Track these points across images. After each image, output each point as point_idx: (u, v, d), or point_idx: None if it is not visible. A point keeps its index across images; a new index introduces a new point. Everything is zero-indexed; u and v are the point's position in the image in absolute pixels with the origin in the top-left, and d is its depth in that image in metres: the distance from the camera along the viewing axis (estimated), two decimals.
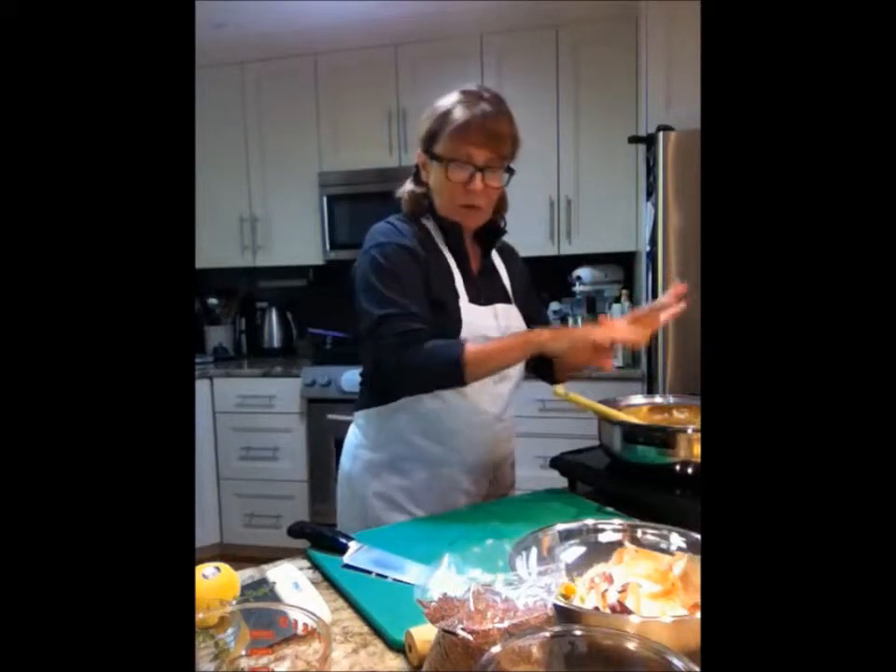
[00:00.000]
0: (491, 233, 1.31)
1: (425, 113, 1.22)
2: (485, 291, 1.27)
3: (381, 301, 1.13)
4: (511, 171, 1.24)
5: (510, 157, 1.23)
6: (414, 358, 1.10)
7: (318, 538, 0.99)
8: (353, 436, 1.32)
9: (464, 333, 1.17)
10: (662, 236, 2.23)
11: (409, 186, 1.29)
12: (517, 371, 1.28)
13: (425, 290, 1.17)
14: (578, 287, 2.95)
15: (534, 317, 1.35)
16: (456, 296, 1.21)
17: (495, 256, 1.35)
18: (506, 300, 1.31)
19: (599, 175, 2.85)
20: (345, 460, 1.32)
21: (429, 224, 1.26)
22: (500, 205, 1.31)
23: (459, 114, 1.16)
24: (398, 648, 0.73)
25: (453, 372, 1.09)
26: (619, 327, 1.10)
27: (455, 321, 1.18)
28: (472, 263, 1.28)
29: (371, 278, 1.16)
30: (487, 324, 1.23)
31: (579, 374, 2.71)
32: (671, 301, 1.15)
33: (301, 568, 0.92)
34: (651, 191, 2.34)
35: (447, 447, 1.23)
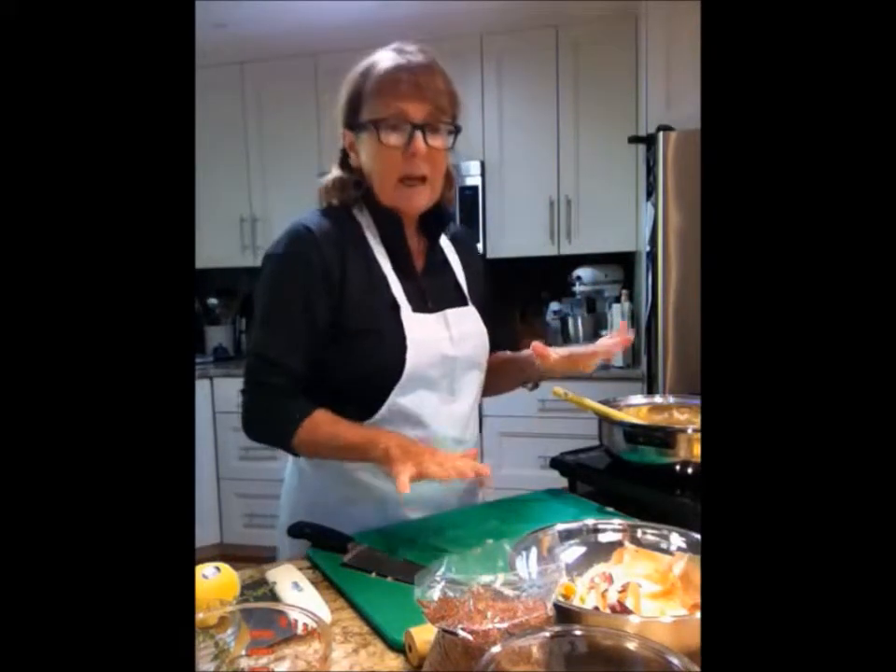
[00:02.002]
0: (437, 219, 1.09)
1: (342, 83, 1.03)
2: (434, 294, 1.07)
3: (256, 338, 1.01)
4: (457, 130, 1.02)
5: (451, 114, 1.01)
6: (254, 415, 1.01)
7: (318, 538, 0.99)
8: (290, 477, 1.16)
9: (412, 350, 0.99)
10: (662, 236, 2.23)
11: (334, 173, 1.11)
12: (473, 387, 1.11)
13: (327, 310, 0.99)
14: (578, 287, 2.95)
15: (490, 325, 1.15)
16: (396, 306, 1.01)
17: (446, 247, 1.15)
18: (460, 301, 1.11)
19: (599, 175, 2.86)
20: (282, 509, 1.16)
21: (362, 217, 1.06)
22: (448, 184, 1.09)
23: (383, 66, 0.97)
24: (398, 648, 0.73)
25: (281, 443, 1.01)
26: (432, 461, 0.88)
27: (398, 337, 0.99)
28: (416, 261, 1.08)
29: (257, 302, 1.02)
30: (438, 336, 1.04)
31: (579, 374, 2.72)
32: (609, 348, 1.08)
33: (301, 568, 0.92)
34: (650, 191, 2.34)
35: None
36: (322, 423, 0.97)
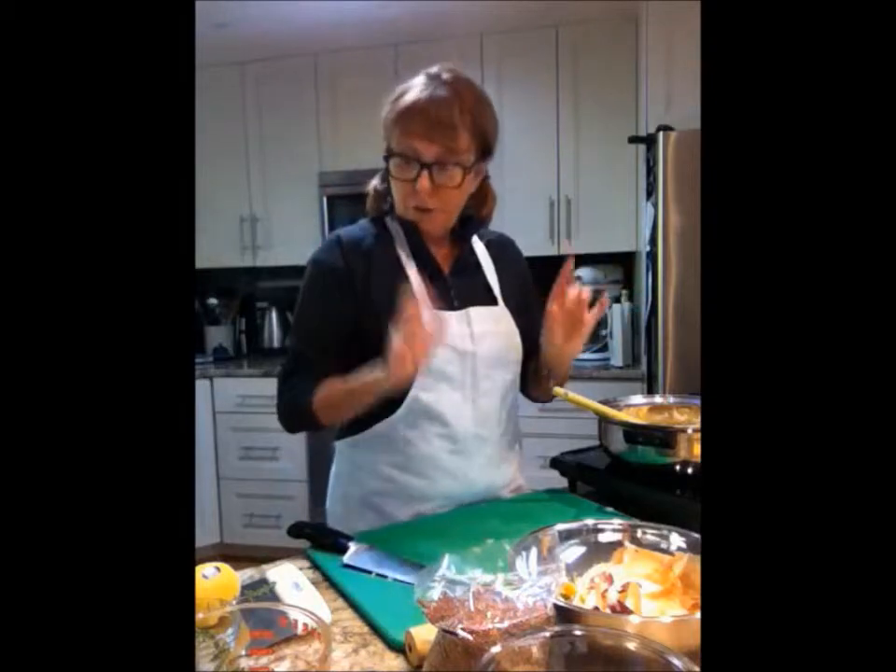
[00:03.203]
0: (465, 229, 1.16)
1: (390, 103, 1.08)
2: (459, 293, 1.12)
3: (291, 334, 1.14)
4: (478, 160, 1.07)
5: (470, 151, 1.04)
6: (281, 398, 1.13)
7: (318, 538, 0.99)
8: (336, 463, 1.23)
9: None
10: (662, 236, 2.23)
11: (375, 181, 1.21)
12: (500, 385, 1.14)
13: (350, 314, 1.06)
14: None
15: (528, 325, 1.17)
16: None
17: (482, 251, 1.19)
18: (487, 301, 1.15)
19: (599, 175, 2.86)
20: (330, 490, 1.26)
21: (392, 226, 1.14)
22: (482, 202, 1.16)
23: (406, 98, 1.02)
24: (398, 648, 0.73)
25: (303, 417, 1.09)
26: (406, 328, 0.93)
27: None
28: (442, 264, 1.14)
29: (296, 304, 1.14)
30: (457, 332, 1.07)
31: (579, 375, 2.72)
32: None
33: (301, 568, 0.92)
34: (650, 191, 2.34)
35: (427, 479, 1.08)
36: (328, 385, 1.04)
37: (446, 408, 1.07)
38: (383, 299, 1.03)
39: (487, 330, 1.11)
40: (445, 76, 1.04)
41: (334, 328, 1.08)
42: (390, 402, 1.04)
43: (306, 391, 1.06)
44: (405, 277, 1.08)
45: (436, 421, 1.07)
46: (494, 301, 1.16)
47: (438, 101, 1.00)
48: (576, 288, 1.07)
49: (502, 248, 1.24)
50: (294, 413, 1.12)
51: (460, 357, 1.06)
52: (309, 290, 1.12)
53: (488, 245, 1.22)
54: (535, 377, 1.22)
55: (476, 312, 1.11)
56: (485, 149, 1.08)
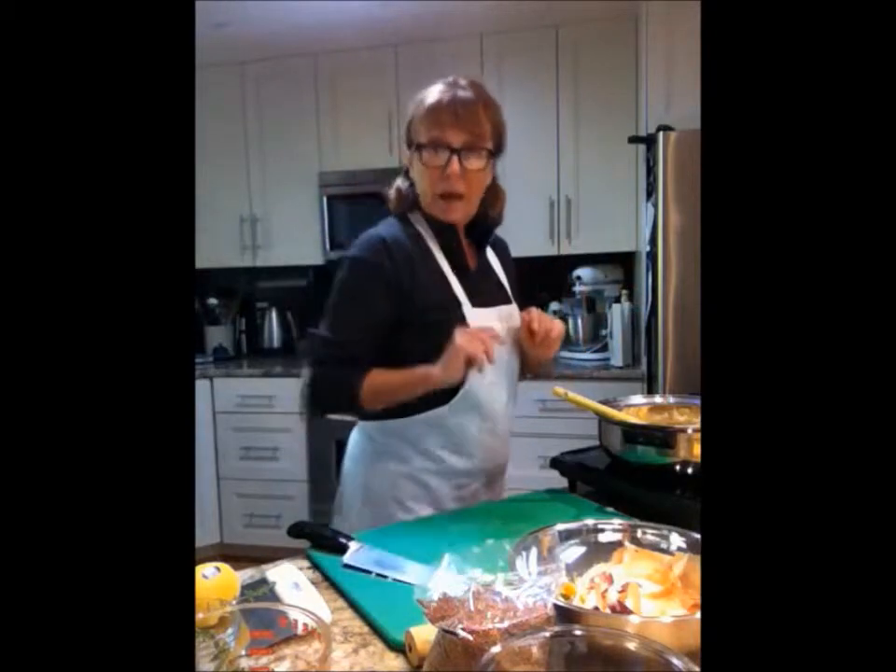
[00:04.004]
0: (483, 229, 1.27)
1: (440, 95, 1.17)
2: (485, 292, 1.24)
3: (325, 323, 1.18)
4: (494, 154, 1.18)
5: (490, 140, 1.16)
6: (320, 386, 1.17)
7: (318, 538, 0.99)
8: (365, 443, 1.27)
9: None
10: (662, 236, 2.23)
11: (398, 182, 1.27)
12: (514, 372, 1.29)
13: (389, 309, 1.15)
14: (578, 287, 2.95)
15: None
16: (458, 303, 1.18)
17: (488, 252, 1.31)
18: (506, 299, 1.29)
19: (599, 175, 2.86)
20: (359, 468, 1.27)
21: (418, 224, 1.22)
22: (494, 199, 1.26)
23: (431, 97, 1.15)
24: (398, 648, 0.73)
25: (348, 403, 1.16)
26: (469, 336, 1.07)
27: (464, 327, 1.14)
28: (469, 262, 1.25)
29: (331, 294, 1.20)
30: (497, 327, 1.18)
31: (579, 374, 2.72)
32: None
33: (300, 568, 0.92)
34: (650, 191, 2.34)
35: (472, 458, 1.22)
36: (376, 374, 1.14)
37: (486, 397, 1.20)
38: (423, 294, 1.16)
39: (507, 327, 1.23)
40: (463, 81, 1.17)
41: (378, 320, 1.16)
42: (440, 392, 1.14)
43: (351, 378, 1.14)
44: (441, 274, 1.19)
45: (481, 409, 1.20)
46: (508, 300, 1.29)
47: (463, 96, 1.13)
48: (534, 318, 1.20)
49: (503, 249, 1.36)
50: (334, 398, 1.19)
51: (497, 352, 1.13)
52: (353, 286, 1.19)
53: (492, 246, 1.33)
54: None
55: (504, 310, 1.25)
56: (499, 145, 1.19)
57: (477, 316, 1.18)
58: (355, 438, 1.31)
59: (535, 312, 1.22)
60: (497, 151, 1.19)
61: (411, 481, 1.21)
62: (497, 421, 1.23)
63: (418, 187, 1.20)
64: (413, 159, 1.19)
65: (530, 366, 1.34)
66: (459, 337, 1.06)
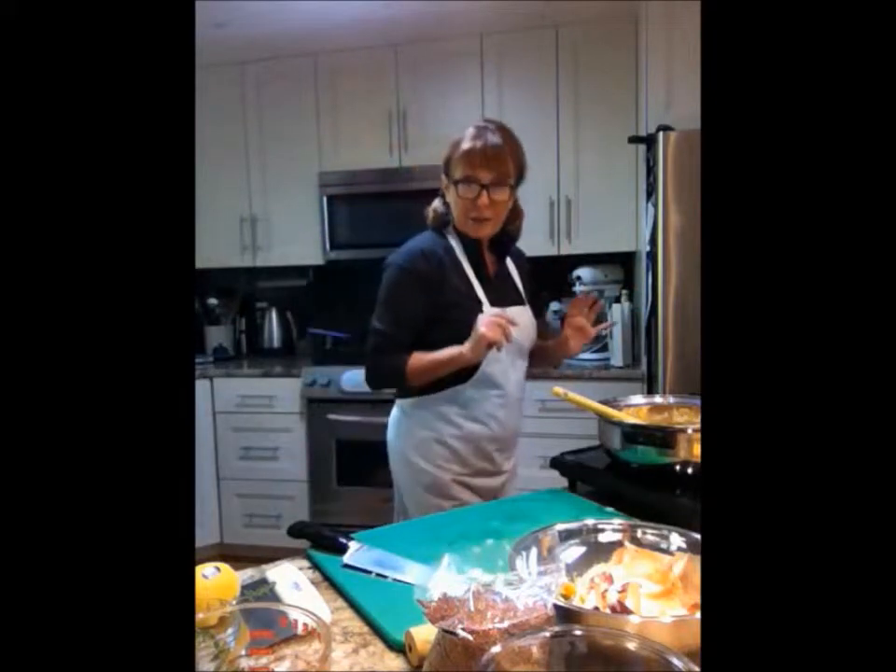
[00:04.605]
0: (504, 244, 1.57)
1: (457, 140, 1.49)
2: (502, 294, 1.52)
3: (378, 319, 1.49)
4: (515, 185, 1.50)
5: (513, 175, 1.47)
6: (377, 370, 1.49)
7: (318, 538, 0.99)
8: (402, 417, 1.57)
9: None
10: (662, 236, 2.23)
11: (435, 203, 1.56)
12: (525, 360, 1.58)
13: (426, 306, 1.45)
14: (578, 287, 2.95)
15: (537, 313, 1.63)
16: (479, 302, 1.47)
17: (508, 260, 1.60)
18: (519, 301, 1.57)
19: (599, 175, 2.85)
20: (399, 439, 1.56)
21: (452, 238, 1.52)
22: (514, 217, 1.56)
23: (466, 143, 1.45)
24: (398, 648, 0.73)
25: (399, 380, 1.48)
26: (489, 322, 1.34)
27: None
28: (489, 270, 1.53)
29: (380, 294, 1.51)
30: (519, 322, 1.43)
31: (579, 374, 2.72)
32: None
33: (300, 568, 0.92)
34: (650, 191, 2.34)
35: (484, 425, 1.49)
36: (417, 356, 1.45)
37: (500, 376, 1.49)
38: (452, 295, 1.46)
39: (522, 324, 1.48)
40: (492, 126, 1.48)
41: (416, 315, 1.46)
42: (462, 372, 1.45)
43: (399, 361, 1.45)
44: (467, 279, 1.49)
45: (494, 385, 1.49)
46: (522, 301, 1.58)
47: (492, 142, 1.44)
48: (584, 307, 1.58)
49: (520, 257, 1.66)
50: (391, 377, 1.49)
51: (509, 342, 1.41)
52: (398, 288, 1.48)
53: (511, 255, 1.62)
54: (537, 357, 1.67)
55: (515, 310, 1.50)
56: (520, 177, 1.51)
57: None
58: (394, 414, 1.60)
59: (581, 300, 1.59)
60: (518, 183, 1.50)
61: (440, 444, 1.50)
62: (509, 395, 1.51)
63: (453, 210, 1.50)
64: (449, 188, 1.48)
65: (546, 359, 1.67)
66: (481, 323, 1.34)
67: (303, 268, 3.35)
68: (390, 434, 1.61)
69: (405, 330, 1.47)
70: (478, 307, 1.46)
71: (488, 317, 1.36)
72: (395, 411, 1.61)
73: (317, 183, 3.09)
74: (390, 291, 1.50)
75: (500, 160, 1.43)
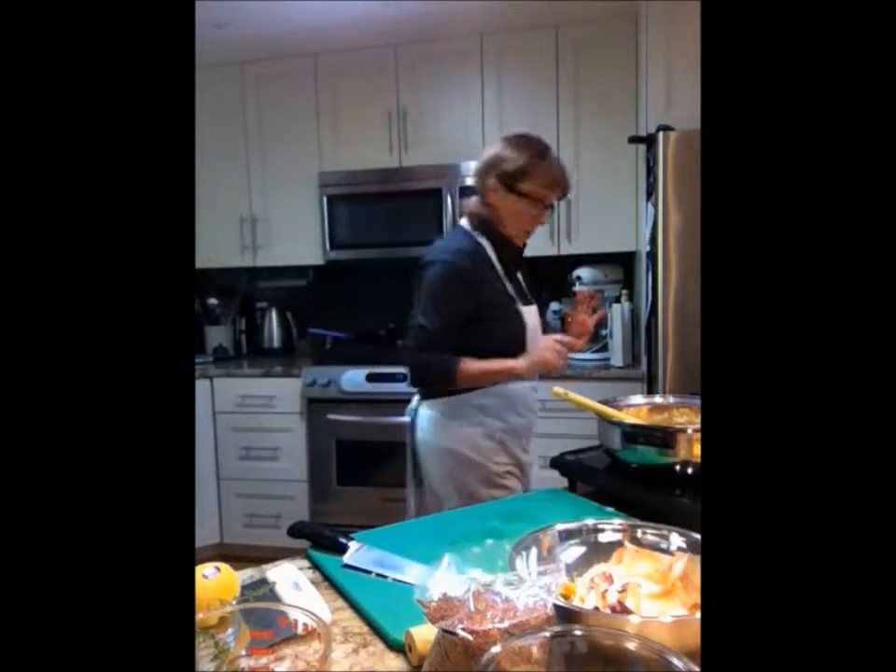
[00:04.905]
0: (522, 249, 1.68)
1: (501, 150, 1.54)
2: (522, 295, 1.61)
3: (423, 317, 1.49)
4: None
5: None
6: (422, 368, 1.51)
7: (318, 538, 0.99)
8: (438, 416, 1.58)
9: (528, 329, 1.56)
10: (662, 236, 2.23)
11: (475, 204, 1.59)
12: None
13: (470, 304, 1.49)
14: (578, 287, 2.95)
15: (540, 313, 1.73)
16: (513, 300, 1.56)
17: None
18: (530, 301, 1.64)
19: (599, 175, 2.85)
20: (436, 436, 1.58)
21: (483, 239, 1.56)
22: None
23: (546, 167, 1.52)
24: (398, 648, 0.73)
25: (447, 381, 1.51)
26: (553, 349, 1.50)
27: (520, 320, 1.55)
28: (515, 272, 1.63)
29: (424, 292, 1.52)
30: (533, 321, 1.58)
31: (579, 374, 2.71)
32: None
33: (300, 568, 0.92)
34: (650, 191, 2.34)
35: (524, 416, 1.59)
36: (471, 363, 1.50)
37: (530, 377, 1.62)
38: (492, 295, 1.53)
39: (532, 323, 1.59)
40: (546, 143, 1.56)
41: (464, 313, 1.50)
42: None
43: (448, 363, 1.49)
44: (500, 279, 1.55)
45: (528, 381, 1.60)
46: (532, 301, 1.65)
47: (563, 167, 1.56)
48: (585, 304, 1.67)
49: (524, 261, 1.73)
50: (439, 376, 1.52)
51: (535, 335, 1.55)
52: (446, 285, 1.50)
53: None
54: None
55: (526, 308, 1.59)
56: None
57: (526, 312, 1.57)
58: (430, 414, 1.60)
59: (583, 295, 1.69)
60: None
61: (489, 438, 1.55)
62: (535, 384, 1.63)
63: (502, 215, 1.55)
64: (505, 197, 1.52)
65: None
66: (544, 347, 1.50)
67: (303, 268, 3.34)
68: (427, 433, 1.60)
69: (451, 328, 1.49)
70: (512, 305, 1.55)
71: (551, 342, 1.49)
72: (429, 410, 1.61)
73: (317, 183, 3.09)
74: (437, 289, 1.50)
75: (567, 186, 1.56)
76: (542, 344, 1.50)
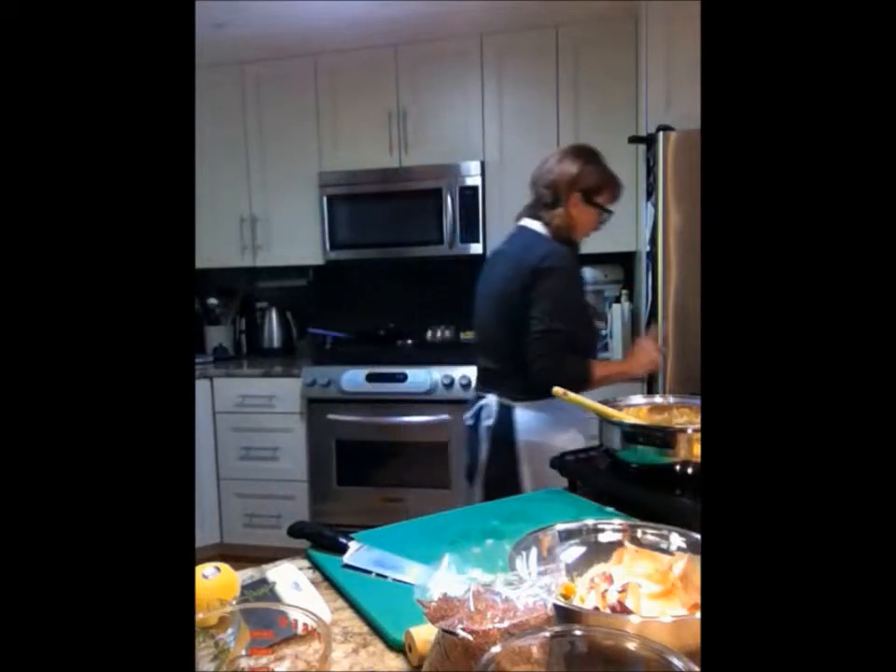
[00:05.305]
0: None
1: (583, 165, 1.70)
2: None
3: (558, 318, 1.58)
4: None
5: None
6: (559, 367, 1.58)
7: (318, 538, 0.99)
8: (541, 418, 1.64)
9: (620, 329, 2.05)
10: (662, 236, 2.23)
11: (559, 219, 1.70)
12: None
13: (587, 306, 1.73)
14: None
15: None
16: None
17: None
18: None
19: None
20: (540, 437, 1.62)
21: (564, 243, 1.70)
22: None
23: (617, 182, 1.76)
24: (398, 648, 0.73)
25: (583, 383, 1.58)
26: (651, 347, 1.78)
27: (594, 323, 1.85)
28: None
29: (558, 294, 1.61)
30: (619, 323, 1.88)
31: None
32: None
33: (300, 568, 0.92)
34: (651, 191, 2.34)
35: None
36: (600, 366, 1.70)
37: None
38: (586, 297, 1.77)
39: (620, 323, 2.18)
40: None
41: (587, 314, 1.72)
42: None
43: (583, 363, 1.63)
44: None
45: None
46: None
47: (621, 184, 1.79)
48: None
49: None
50: (576, 379, 1.56)
51: None
52: (572, 289, 1.67)
53: None
54: None
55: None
56: None
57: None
58: (526, 417, 1.65)
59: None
60: None
61: (580, 435, 1.65)
62: None
63: (575, 223, 1.70)
64: (582, 207, 1.69)
65: None
66: (651, 349, 1.76)
67: (303, 268, 3.34)
68: (523, 436, 1.65)
69: (579, 330, 1.64)
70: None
71: (652, 344, 1.76)
72: (533, 412, 1.66)
73: (317, 183, 3.09)
74: (567, 292, 1.64)
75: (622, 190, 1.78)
76: (647, 346, 1.72)
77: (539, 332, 1.58)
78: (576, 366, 1.61)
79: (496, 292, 1.73)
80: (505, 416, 1.67)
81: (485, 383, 1.78)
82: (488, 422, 1.70)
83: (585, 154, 1.73)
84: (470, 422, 1.76)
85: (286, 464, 3.01)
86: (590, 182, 1.69)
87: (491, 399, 1.70)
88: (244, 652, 0.62)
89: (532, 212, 1.75)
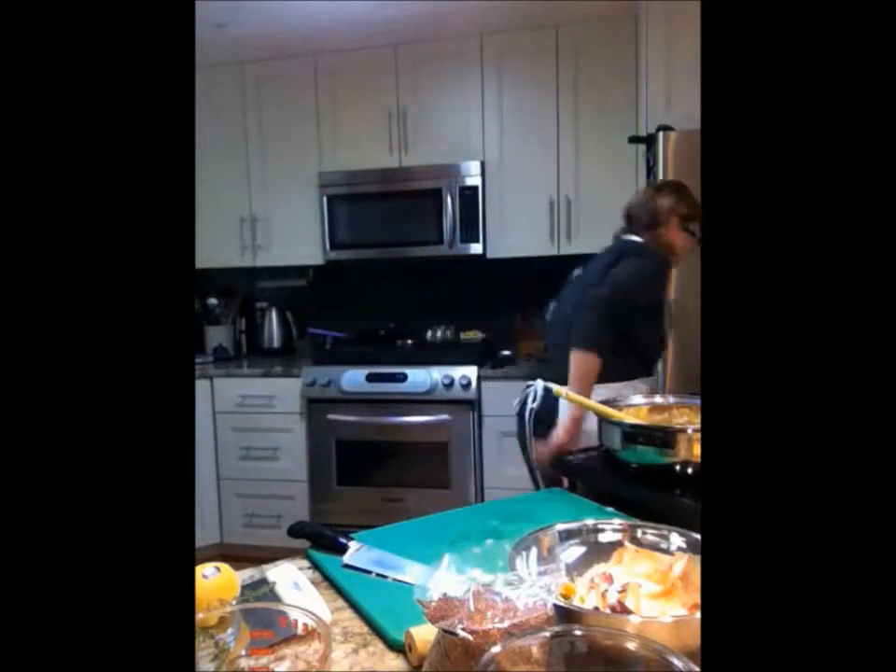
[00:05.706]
0: None
1: (681, 196, 1.86)
2: None
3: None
4: None
5: None
6: (586, 336, 1.70)
7: (318, 538, 0.99)
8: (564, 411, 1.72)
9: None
10: None
11: (661, 235, 1.88)
12: None
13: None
14: None
15: None
16: None
17: None
18: None
19: (599, 175, 2.85)
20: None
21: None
22: None
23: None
24: (398, 648, 0.73)
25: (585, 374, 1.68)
26: None
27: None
28: None
29: (631, 277, 1.77)
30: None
31: None
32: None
33: (301, 568, 0.92)
34: None
35: None
36: (586, 391, 1.69)
37: None
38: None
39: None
40: None
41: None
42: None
43: (597, 361, 1.69)
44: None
45: None
46: None
47: None
48: None
49: None
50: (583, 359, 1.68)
51: None
52: (645, 282, 1.81)
53: None
54: None
55: None
56: None
57: None
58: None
59: None
60: None
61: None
62: None
63: (675, 246, 1.88)
64: (680, 234, 1.86)
65: None
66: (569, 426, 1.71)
67: (303, 268, 3.34)
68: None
69: (634, 322, 1.80)
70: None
71: (571, 426, 1.74)
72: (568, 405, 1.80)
73: (317, 183, 3.09)
74: (639, 280, 1.81)
75: None
76: (568, 425, 1.73)
77: (594, 298, 1.71)
78: (594, 353, 1.66)
79: (586, 278, 1.96)
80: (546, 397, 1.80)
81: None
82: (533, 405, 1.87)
83: (681, 187, 1.91)
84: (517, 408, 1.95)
85: (286, 464, 3.01)
86: (686, 210, 1.87)
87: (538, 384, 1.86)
88: (244, 652, 0.62)
89: (630, 230, 1.93)
